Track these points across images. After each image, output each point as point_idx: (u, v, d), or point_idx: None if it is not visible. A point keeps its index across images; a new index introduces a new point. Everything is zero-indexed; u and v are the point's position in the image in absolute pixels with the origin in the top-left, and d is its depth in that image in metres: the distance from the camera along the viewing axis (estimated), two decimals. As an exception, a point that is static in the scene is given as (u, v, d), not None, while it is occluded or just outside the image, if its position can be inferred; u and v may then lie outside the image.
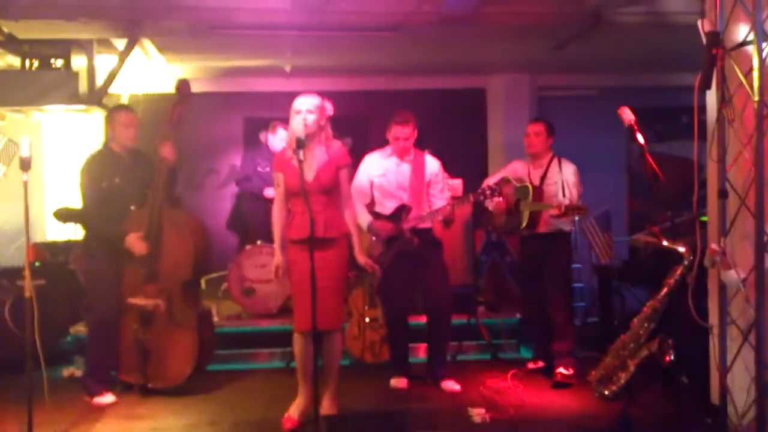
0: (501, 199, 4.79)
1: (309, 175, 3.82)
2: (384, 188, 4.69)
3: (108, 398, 4.40)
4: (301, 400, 4.00)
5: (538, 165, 4.93)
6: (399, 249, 4.56)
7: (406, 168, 4.68)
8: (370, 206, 4.74)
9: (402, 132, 4.61)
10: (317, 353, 3.86)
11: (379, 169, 4.71)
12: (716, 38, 3.57)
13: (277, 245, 4.04)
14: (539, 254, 4.86)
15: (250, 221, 6.30)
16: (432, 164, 4.74)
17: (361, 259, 4.07)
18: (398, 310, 4.76)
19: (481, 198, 4.56)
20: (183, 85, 4.55)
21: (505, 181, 4.92)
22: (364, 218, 4.64)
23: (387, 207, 4.67)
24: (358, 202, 4.66)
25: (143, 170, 4.54)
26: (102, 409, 4.31)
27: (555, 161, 4.90)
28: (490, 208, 5.00)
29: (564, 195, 4.74)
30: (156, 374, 4.47)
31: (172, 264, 4.49)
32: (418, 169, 4.67)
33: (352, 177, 4.51)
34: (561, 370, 4.74)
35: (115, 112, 4.56)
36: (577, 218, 4.77)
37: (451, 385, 4.64)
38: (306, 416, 3.90)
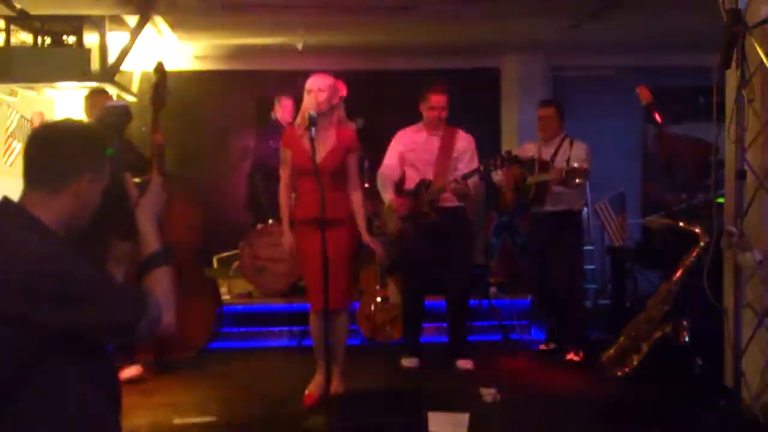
0: (504, 169, 4.72)
1: (318, 155, 3.78)
2: (412, 163, 4.66)
3: (132, 371, 4.37)
4: (320, 377, 4.01)
5: (549, 144, 4.90)
6: (416, 224, 4.55)
7: (434, 143, 4.63)
8: (401, 182, 4.72)
9: (438, 101, 4.55)
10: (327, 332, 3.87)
11: (409, 144, 4.69)
12: (737, 16, 3.50)
13: (285, 225, 4.04)
14: (549, 234, 4.82)
15: (263, 200, 6.30)
16: (463, 141, 4.65)
17: (366, 238, 4.04)
18: (415, 287, 4.75)
19: (491, 168, 4.49)
20: (160, 66, 4.57)
21: (512, 156, 4.86)
22: (387, 195, 4.64)
23: (414, 182, 4.66)
24: (387, 179, 4.67)
25: (127, 152, 4.54)
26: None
27: (566, 141, 4.86)
28: (496, 180, 4.96)
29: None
30: (173, 345, 4.50)
31: (177, 235, 4.53)
32: (447, 144, 4.61)
33: (359, 161, 4.48)
34: (571, 356, 4.73)
35: (95, 96, 4.54)
36: (584, 185, 4.70)
37: (463, 364, 4.63)
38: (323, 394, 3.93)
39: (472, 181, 4.52)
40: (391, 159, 4.71)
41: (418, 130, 4.70)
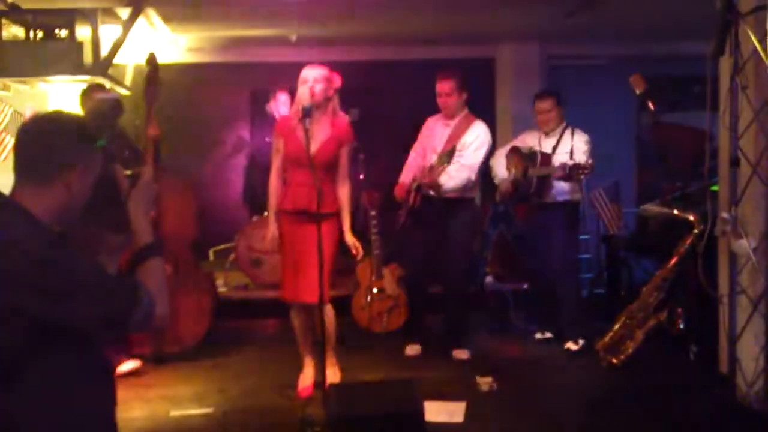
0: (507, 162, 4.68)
1: (312, 147, 3.75)
2: (426, 149, 4.69)
3: (130, 364, 4.36)
4: (309, 370, 4.04)
5: (551, 135, 4.87)
6: (406, 211, 4.60)
7: (444, 131, 4.63)
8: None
9: (440, 87, 4.56)
10: (313, 323, 3.88)
11: (428, 130, 4.74)
12: (730, 4, 3.50)
13: (271, 214, 3.98)
14: (546, 224, 4.83)
15: (260, 193, 6.29)
16: (472, 132, 4.54)
17: (348, 239, 4.00)
18: (415, 276, 4.77)
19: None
20: (152, 58, 4.51)
21: (513, 150, 4.90)
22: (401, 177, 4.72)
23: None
24: (407, 163, 4.74)
25: (122, 146, 4.52)
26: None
27: (568, 131, 4.83)
28: (498, 182, 5.00)
29: (572, 159, 4.67)
30: (170, 338, 4.51)
31: (175, 228, 4.53)
32: (455, 135, 4.57)
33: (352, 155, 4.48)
34: (570, 345, 4.75)
35: (91, 92, 4.53)
36: (583, 179, 4.70)
37: (460, 354, 4.65)
38: (317, 384, 3.93)
39: (453, 176, 4.42)
40: (416, 143, 4.78)
41: (439, 118, 4.72)
